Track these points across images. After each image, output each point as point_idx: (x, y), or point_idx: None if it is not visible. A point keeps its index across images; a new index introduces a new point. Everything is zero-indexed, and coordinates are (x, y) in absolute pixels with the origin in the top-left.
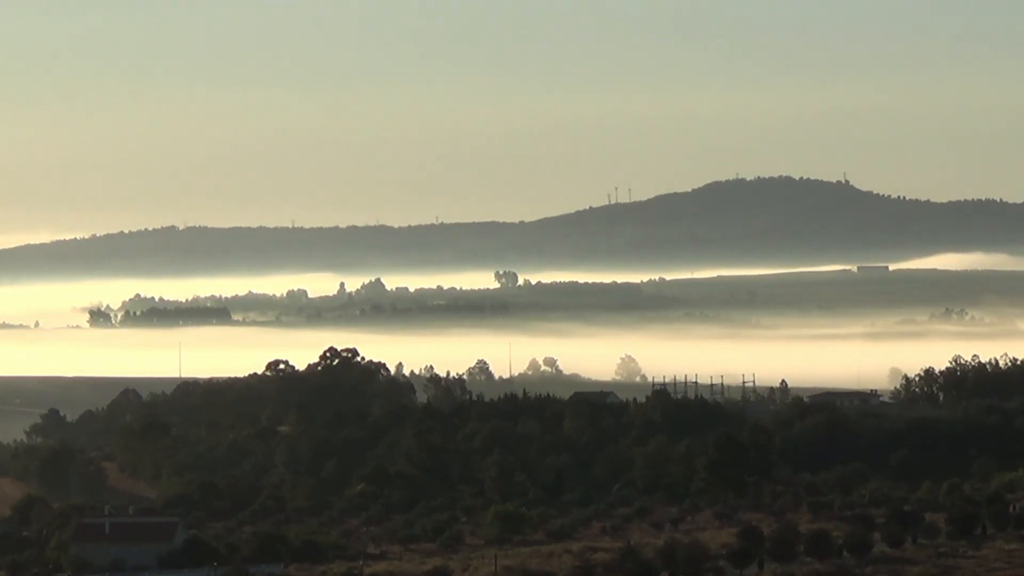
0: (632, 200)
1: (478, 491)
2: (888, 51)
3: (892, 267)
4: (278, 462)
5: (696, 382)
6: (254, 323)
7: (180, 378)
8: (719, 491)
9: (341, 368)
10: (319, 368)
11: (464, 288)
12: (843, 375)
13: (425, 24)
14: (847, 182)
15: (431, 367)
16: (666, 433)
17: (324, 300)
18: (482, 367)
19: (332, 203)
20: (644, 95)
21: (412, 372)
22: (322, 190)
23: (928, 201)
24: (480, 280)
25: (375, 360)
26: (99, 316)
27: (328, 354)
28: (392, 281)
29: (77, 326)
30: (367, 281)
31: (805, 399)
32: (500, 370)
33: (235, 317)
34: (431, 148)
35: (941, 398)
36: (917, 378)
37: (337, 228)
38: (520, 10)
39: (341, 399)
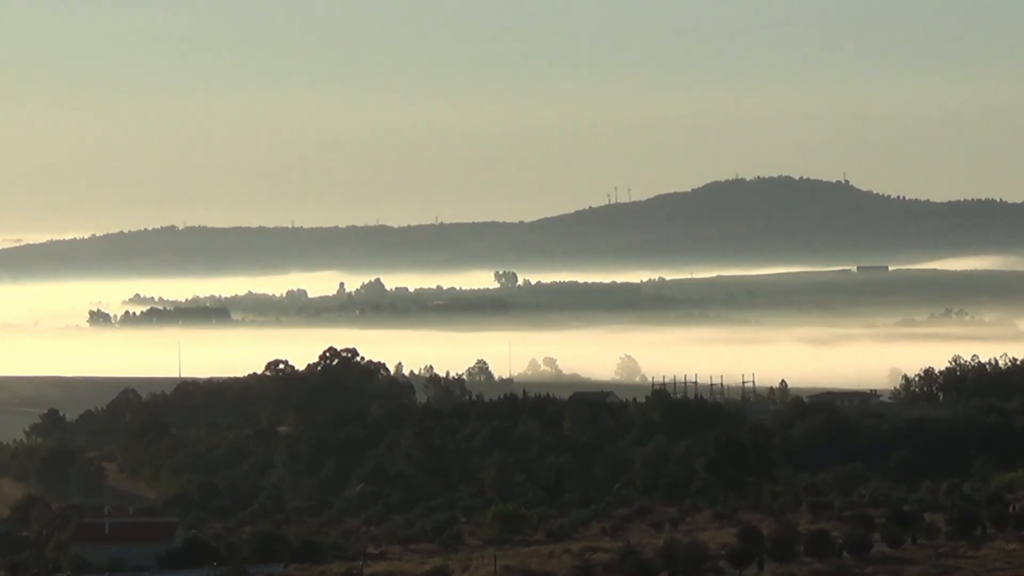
0: (632, 200)
1: (478, 491)
2: (888, 51)
3: (892, 267)
4: (278, 462)
5: (696, 382)
6: (254, 323)
7: (180, 378)
8: (719, 491)
9: (341, 368)
10: (319, 368)
11: (464, 288)
12: (843, 375)
13: (425, 24)
14: (847, 182)
15: (431, 367)
16: (666, 433)
17: (324, 300)
18: (482, 367)
19: (332, 203)
20: (644, 95)
21: (412, 372)
22: (322, 190)
23: (928, 201)
24: (480, 280)
25: (375, 360)
26: (99, 316)
27: (328, 354)
28: (392, 281)
29: (77, 326)
30: (367, 281)
31: (805, 399)
32: (500, 370)
33: (235, 317)
34: (431, 148)
35: (941, 398)
36: (917, 378)
37: (337, 228)
38: (520, 10)
39: (341, 399)
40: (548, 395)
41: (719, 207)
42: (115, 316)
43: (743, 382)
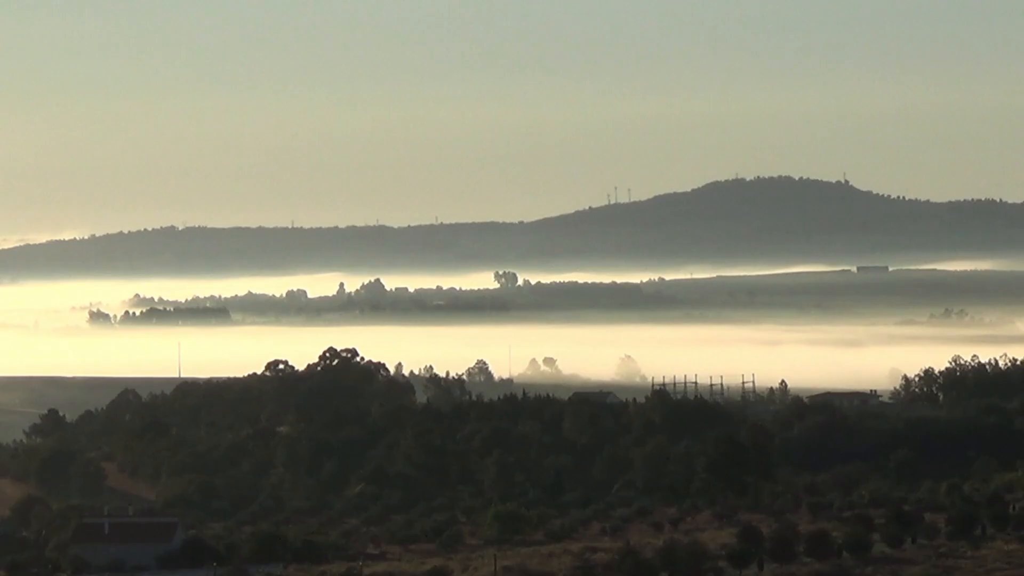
0: (632, 200)
1: (478, 491)
2: (888, 51)
3: (892, 267)
4: (277, 462)
5: (696, 382)
6: (254, 323)
7: (179, 378)
8: (719, 491)
9: (341, 368)
10: (319, 368)
11: (464, 288)
12: (843, 375)
13: (425, 24)
14: (847, 182)
15: (431, 367)
16: (666, 433)
17: (324, 300)
18: (482, 367)
19: (332, 203)
20: (644, 95)
21: (412, 372)
22: (322, 190)
23: (928, 201)
24: (480, 280)
25: (375, 360)
26: (98, 316)
27: (328, 354)
28: (392, 281)
29: (77, 326)
30: (367, 281)
31: (805, 399)
32: (500, 370)
33: (235, 317)
34: (431, 148)
35: (941, 398)
36: (917, 378)
37: (337, 228)
38: (520, 10)
39: (341, 399)
40: (548, 395)
41: (719, 207)
42: (115, 316)
43: (743, 382)
